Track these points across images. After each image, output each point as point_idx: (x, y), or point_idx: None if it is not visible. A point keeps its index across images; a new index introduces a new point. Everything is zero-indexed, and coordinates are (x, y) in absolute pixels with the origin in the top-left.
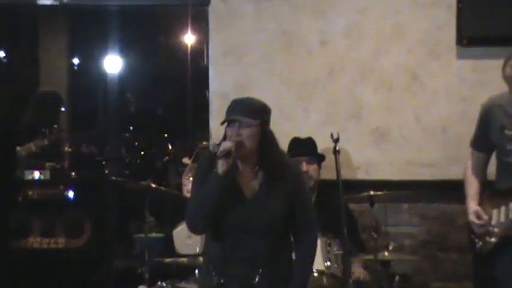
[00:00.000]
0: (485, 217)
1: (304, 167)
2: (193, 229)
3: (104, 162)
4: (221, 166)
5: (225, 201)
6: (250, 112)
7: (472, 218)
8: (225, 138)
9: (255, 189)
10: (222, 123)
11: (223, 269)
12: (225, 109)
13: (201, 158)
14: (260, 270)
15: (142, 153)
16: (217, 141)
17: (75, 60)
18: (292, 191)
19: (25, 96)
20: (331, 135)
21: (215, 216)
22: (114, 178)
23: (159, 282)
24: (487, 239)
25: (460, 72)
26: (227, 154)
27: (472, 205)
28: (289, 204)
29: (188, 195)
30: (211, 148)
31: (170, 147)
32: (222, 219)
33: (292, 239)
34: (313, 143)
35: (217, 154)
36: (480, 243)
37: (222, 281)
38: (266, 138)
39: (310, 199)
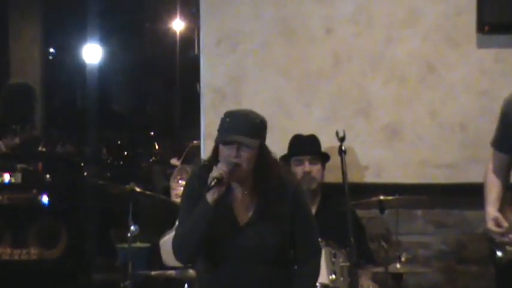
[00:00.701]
0: (506, 225)
1: (306, 167)
2: (181, 259)
3: (82, 164)
4: (212, 194)
5: (217, 228)
6: (251, 131)
7: (490, 225)
8: (215, 154)
9: (250, 214)
10: (222, 143)
11: None
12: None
13: (190, 176)
14: None
15: (125, 153)
16: (207, 153)
17: (50, 50)
18: (291, 214)
19: None
20: (337, 133)
21: (205, 247)
22: (93, 181)
23: None
24: (508, 248)
25: (480, 62)
26: (219, 182)
27: (491, 211)
28: (289, 228)
29: (177, 200)
30: (202, 159)
31: (157, 146)
32: (214, 246)
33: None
34: (317, 140)
35: (208, 183)
36: (500, 253)
37: None
38: (263, 158)
39: (312, 220)
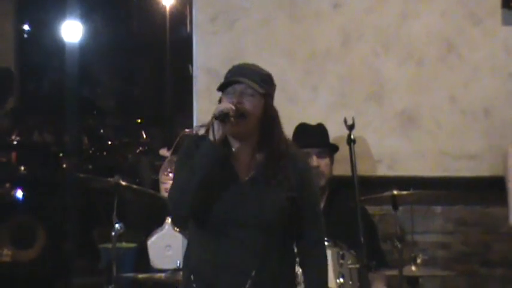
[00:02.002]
0: None
1: (314, 161)
2: (178, 210)
3: (61, 155)
4: (216, 130)
5: (216, 186)
6: (257, 77)
7: None
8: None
9: (253, 174)
10: (221, 88)
11: (207, 276)
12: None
13: (186, 140)
14: (253, 272)
15: (109, 143)
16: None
17: (25, 27)
18: (298, 187)
19: None
20: (345, 121)
21: (206, 201)
22: (74, 174)
23: None
24: None
25: (506, 41)
26: (225, 116)
27: None
28: (293, 201)
29: (167, 195)
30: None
31: (144, 135)
32: (210, 208)
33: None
34: (325, 131)
35: (213, 114)
36: None
37: None
38: (269, 114)
39: (320, 206)
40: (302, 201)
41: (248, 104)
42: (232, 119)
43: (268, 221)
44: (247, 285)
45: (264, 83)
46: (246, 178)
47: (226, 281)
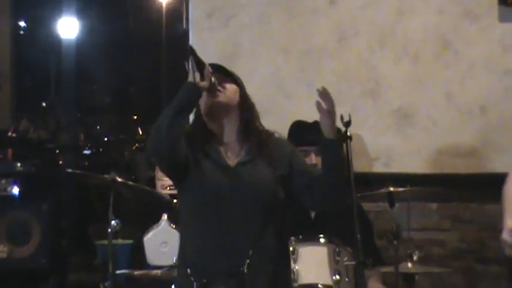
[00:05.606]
0: None
1: (313, 159)
2: (154, 149)
3: (57, 151)
4: (192, 76)
5: (205, 170)
6: (222, 70)
7: (506, 236)
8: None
9: (241, 158)
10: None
11: (205, 265)
12: None
13: None
14: (250, 252)
15: (105, 139)
16: None
17: (21, 23)
18: (286, 166)
19: None
20: (341, 117)
21: (181, 147)
22: (69, 171)
23: None
24: None
25: (503, 38)
26: (200, 62)
27: (509, 222)
28: (283, 178)
29: (164, 191)
30: None
31: (140, 132)
32: (202, 191)
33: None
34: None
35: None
36: None
37: (204, 280)
38: (247, 102)
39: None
40: (294, 168)
41: (225, 87)
42: (208, 71)
43: (261, 200)
44: (245, 266)
45: (233, 75)
46: (235, 162)
47: (225, 264)
